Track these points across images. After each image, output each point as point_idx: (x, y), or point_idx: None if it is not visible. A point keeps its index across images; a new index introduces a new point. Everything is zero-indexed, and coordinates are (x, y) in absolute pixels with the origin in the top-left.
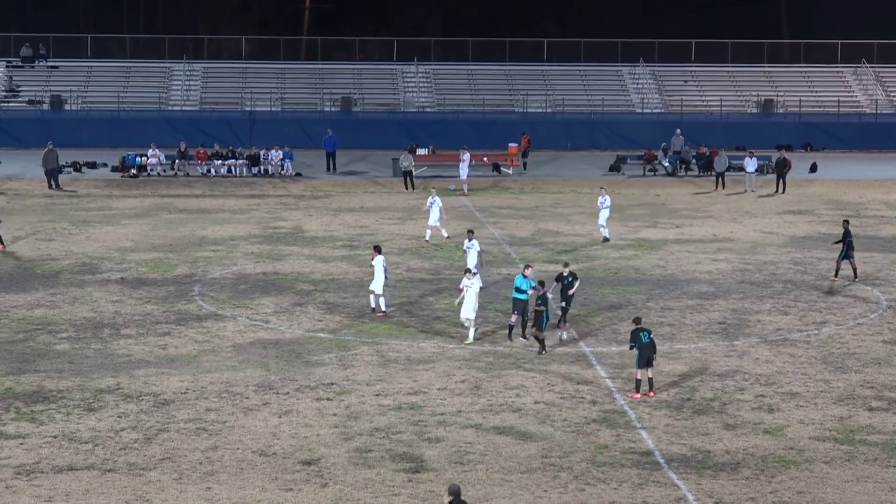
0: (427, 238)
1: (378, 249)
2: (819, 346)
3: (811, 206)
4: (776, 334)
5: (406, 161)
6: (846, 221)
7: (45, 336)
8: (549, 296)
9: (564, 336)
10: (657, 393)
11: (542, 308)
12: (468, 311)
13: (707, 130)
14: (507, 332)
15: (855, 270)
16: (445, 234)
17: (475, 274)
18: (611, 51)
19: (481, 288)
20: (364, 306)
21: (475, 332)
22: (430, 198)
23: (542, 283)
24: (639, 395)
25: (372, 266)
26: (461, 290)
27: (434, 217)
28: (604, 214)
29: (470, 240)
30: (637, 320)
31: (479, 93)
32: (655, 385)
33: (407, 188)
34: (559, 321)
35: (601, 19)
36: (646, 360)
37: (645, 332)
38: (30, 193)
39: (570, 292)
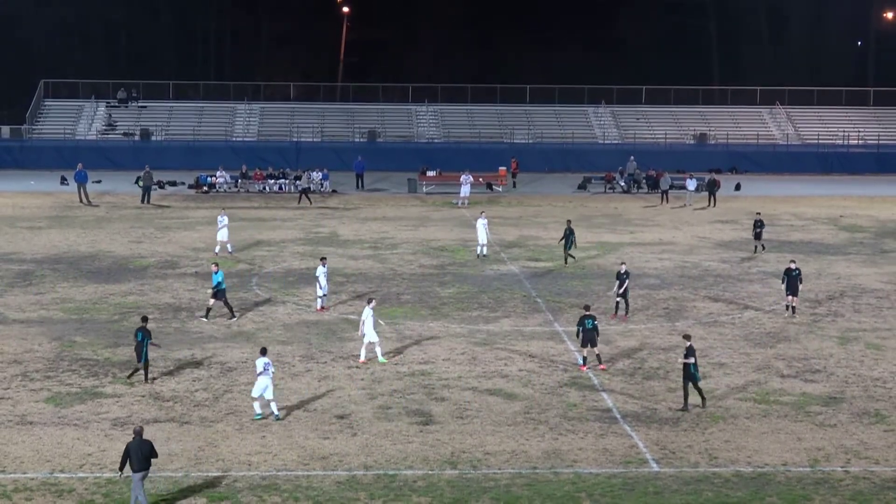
0: (217, 251)
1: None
2: (742, 326)
3: (736, 217)
4: (708, 317)
5: (305, 180)
6: (569, 221)
7: (136, 317)
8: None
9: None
10: (614, 364)
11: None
12: (371, 335)
13: (654, 157)
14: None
15: (572, 256)
16: (230, 249)
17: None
18: (579, 94)
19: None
20: (386, 294)
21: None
22: (220, 216)
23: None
24: (585, 368)
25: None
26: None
27: (223, 234)
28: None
29: (323, 266)
30: (587, 307)
31: (476, 127)
32: (612, 357)
33: (300, 202)
34: (624, 313)
35: (572, 70)
36: (588, 341)
37: (590, 320)
38: (123, 205)
39: (621, 290)
